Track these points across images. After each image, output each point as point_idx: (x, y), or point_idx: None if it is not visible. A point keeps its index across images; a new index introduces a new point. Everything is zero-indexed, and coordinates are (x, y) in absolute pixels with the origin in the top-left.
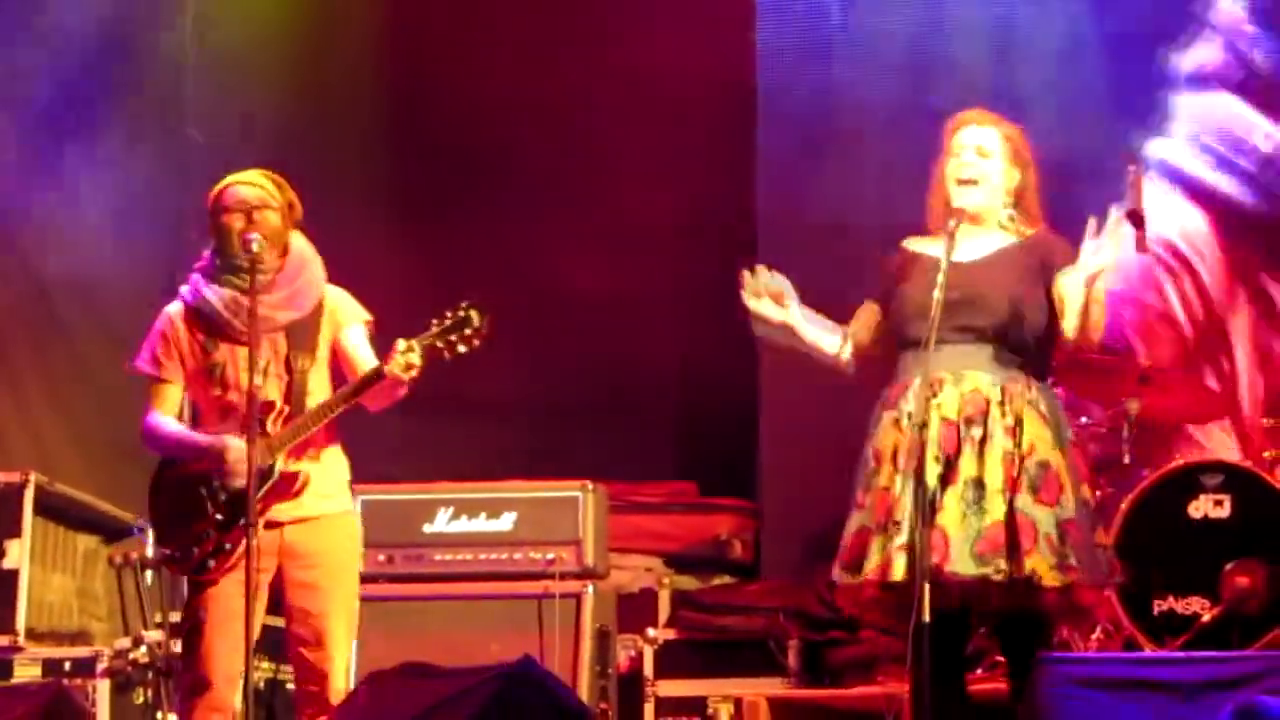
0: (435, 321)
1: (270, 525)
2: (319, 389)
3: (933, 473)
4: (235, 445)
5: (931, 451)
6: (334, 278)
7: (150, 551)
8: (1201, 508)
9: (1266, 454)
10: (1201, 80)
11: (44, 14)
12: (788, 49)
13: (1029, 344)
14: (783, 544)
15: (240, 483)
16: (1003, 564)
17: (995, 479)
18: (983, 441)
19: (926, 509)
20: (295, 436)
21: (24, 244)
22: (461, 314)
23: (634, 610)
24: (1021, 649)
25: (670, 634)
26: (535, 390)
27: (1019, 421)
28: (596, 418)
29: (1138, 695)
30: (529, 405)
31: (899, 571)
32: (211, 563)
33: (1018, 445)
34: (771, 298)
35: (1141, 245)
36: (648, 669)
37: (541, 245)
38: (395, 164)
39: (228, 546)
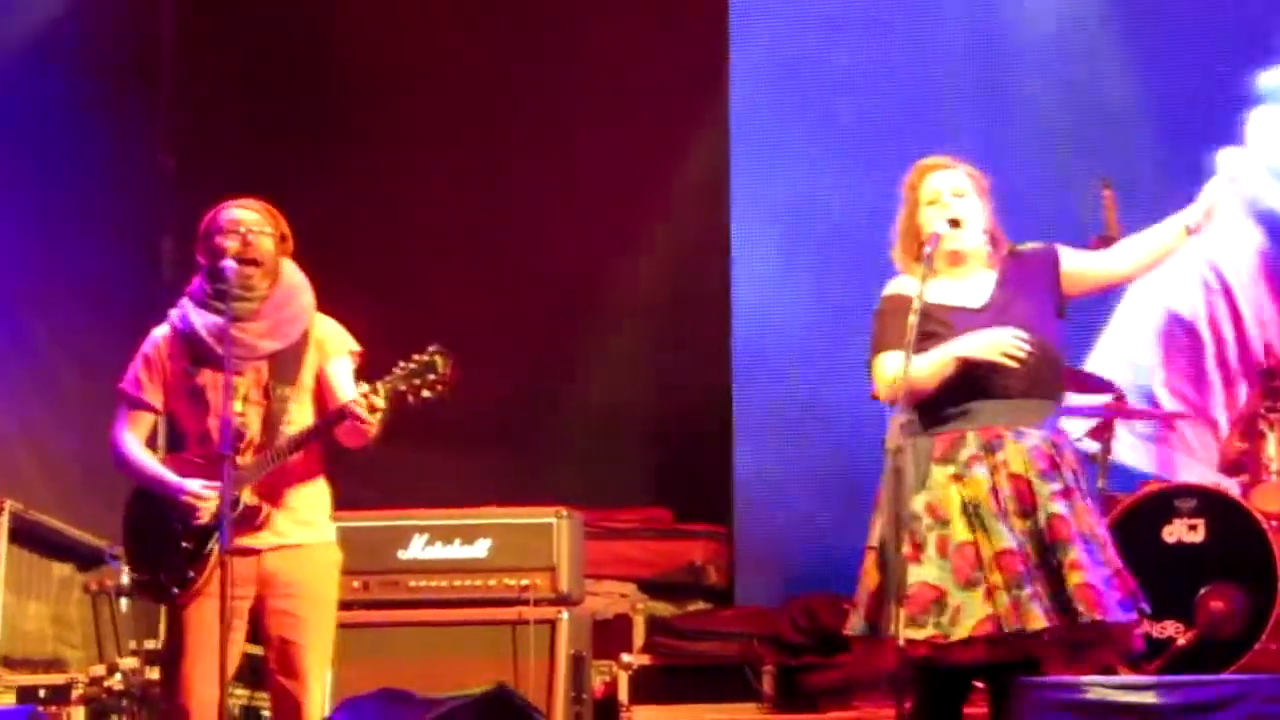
0: (400, 365)
1: (246, 553)
2: (300, 419)
3: (1018, 526)
4: (193, 489)
5: (1011, 507)
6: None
7: (125, 579)
8: (1176, 532)
9: (1241, 479)
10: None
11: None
12: (761, 68)
13: (1058, 387)
14: (756, 570)
15: (199, 523)
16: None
17: (1096, 532)
18: (1066, 494)
19: (1035, 559)
20: (261, 471)
21: None
22: (427, 359)
23: (609, 636)
24: (1008, 680)
25: (645, 660)
26: (509, 416)
27: (1075, 475)
28: (570, 444)
29: (1115, 719)
30: (502, 431)
31: (1037, 621)
32: (176, 590)
33: (1085, 498)
34: None
35: None
36: (623, 695)
37: (517, 270)
38: (374, 186)
39: (191, 575)
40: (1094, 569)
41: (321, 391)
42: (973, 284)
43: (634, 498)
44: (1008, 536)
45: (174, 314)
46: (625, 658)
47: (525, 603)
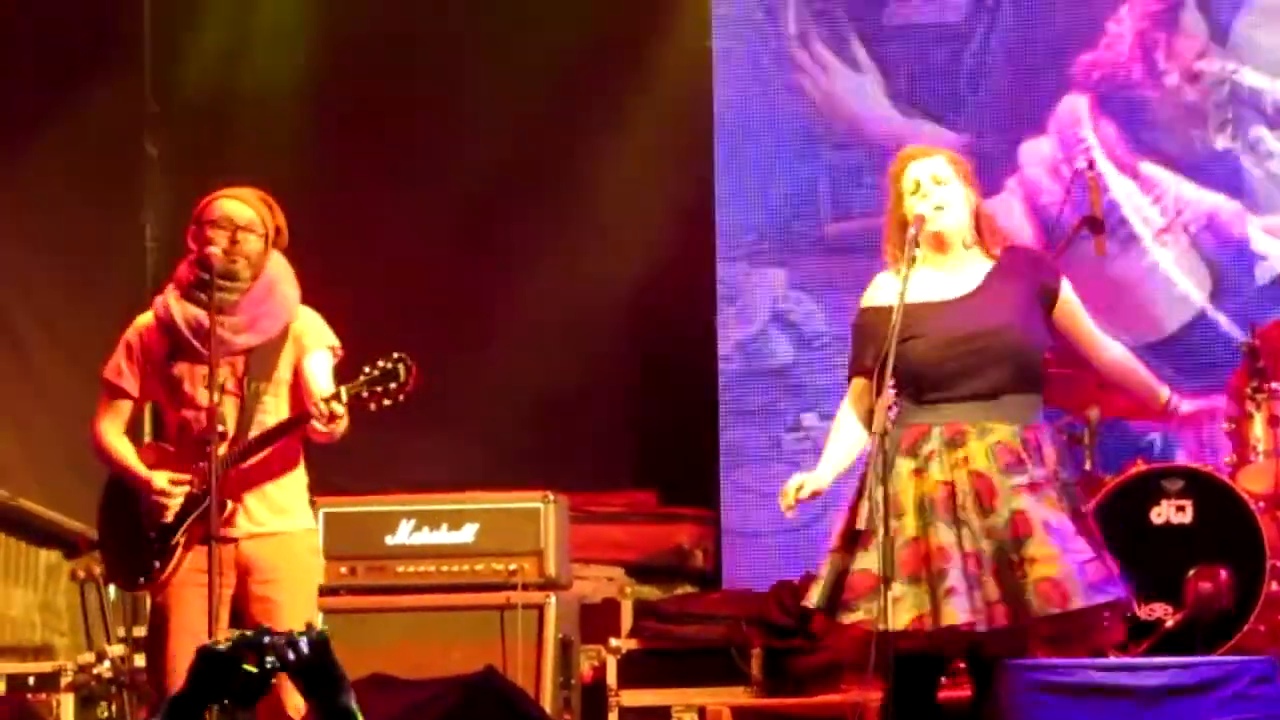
0: (365, 370)
1: (223, 541)
2: (278, 413)
3: (976, 523)
4: (160, 485)
5: (969, 504)
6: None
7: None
8: (1163, 513)
9: (1227, 459)
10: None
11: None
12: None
13: (1038, 378)
14: (743, 553)
15: (165, 519)
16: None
17: (1065, 522)
18: (1033, 488)
19: (990, 555)
20: (226, 466)
21: None
22: (390, 366)
23: (596, 620)
24: (989, 663)
25: (633, 644)
26: (493, 400)
27: (1054, 468)
28: (555, 427)
29: (1101, 701)
30: (487, 415)
31: (951, 616)
32: (141, 579)
33: (1062, 490)
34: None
35: (1100, 249)
36: (611, 679)
37: (497, 253)
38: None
39: (156, 565)
40: (1061, 558)
41: (298, 385)
42: (959, 272)
43: (619, 481)
44: (945, 532)
45: (158, 301)
46: (613, 642)
47: (513, 587)
